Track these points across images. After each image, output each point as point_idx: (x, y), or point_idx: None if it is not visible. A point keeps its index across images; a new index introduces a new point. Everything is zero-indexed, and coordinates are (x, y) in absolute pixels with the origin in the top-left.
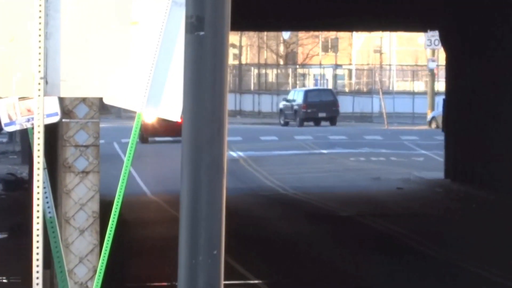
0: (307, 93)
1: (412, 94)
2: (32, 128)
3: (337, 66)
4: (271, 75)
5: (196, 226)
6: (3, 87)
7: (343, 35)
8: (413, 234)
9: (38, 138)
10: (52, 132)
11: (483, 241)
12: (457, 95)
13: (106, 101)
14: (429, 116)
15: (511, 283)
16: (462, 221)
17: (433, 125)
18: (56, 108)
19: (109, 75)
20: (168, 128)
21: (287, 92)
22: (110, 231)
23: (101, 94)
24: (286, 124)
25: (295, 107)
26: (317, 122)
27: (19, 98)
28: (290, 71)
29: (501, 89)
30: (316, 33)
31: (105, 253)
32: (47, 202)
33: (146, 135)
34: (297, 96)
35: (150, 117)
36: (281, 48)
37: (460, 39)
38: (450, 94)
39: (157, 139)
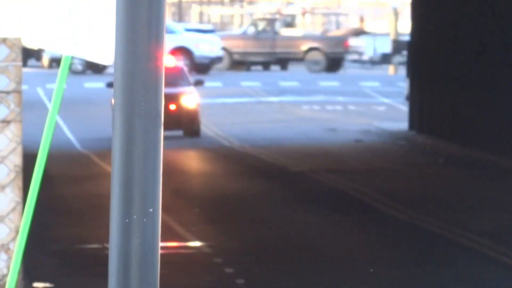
0: None
1: (373, 35)
2: None
3: (289, 3)
4: (215, 13)
5: (129, 181)
6: None
7: None
8: (372, 191)
9: None
10: None
11: (450, 199)
12: (423, 37)
13: (26, 42)
14: None
15: (475, 244)
16: (427, 177)
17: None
18: None
19: (28, 12)
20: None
21: None
22: (34, 187)
23: (20, 34)
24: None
25: None
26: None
27: None
28: (236, 9)
29: (473, 31)
30: None
31: (28, 212)
32: None
33: None
34: None
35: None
36: None
37: None
38: (416, 36)
39: None
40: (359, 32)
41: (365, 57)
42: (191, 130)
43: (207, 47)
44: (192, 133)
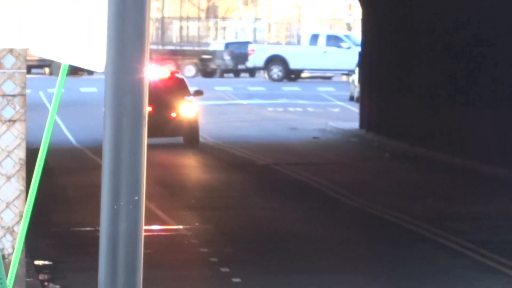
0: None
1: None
2: None
3: (256, 19)
4: (193, 28)
5: (118, 173)
6: None
7: None
8: (328, 182)
9: None
10: None
11: (394, 188)
12: (372, 49)
13: (33, 52)
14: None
15: (415, 227)
16: (375, 169)
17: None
18: None
19: (35, 25)
20: (159, 125)
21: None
22: (36, 177)
23: (27, 45)
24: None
25: None
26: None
27: None
28: (211, 24)
29: (413, 43)
30: None
31: (31, 199)
32: None
33: None
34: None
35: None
36: (203, 2)
37: None
38: (365, 48)
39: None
40: None
41: None
42: (191, 138)
43: None
44: (192, 140)
